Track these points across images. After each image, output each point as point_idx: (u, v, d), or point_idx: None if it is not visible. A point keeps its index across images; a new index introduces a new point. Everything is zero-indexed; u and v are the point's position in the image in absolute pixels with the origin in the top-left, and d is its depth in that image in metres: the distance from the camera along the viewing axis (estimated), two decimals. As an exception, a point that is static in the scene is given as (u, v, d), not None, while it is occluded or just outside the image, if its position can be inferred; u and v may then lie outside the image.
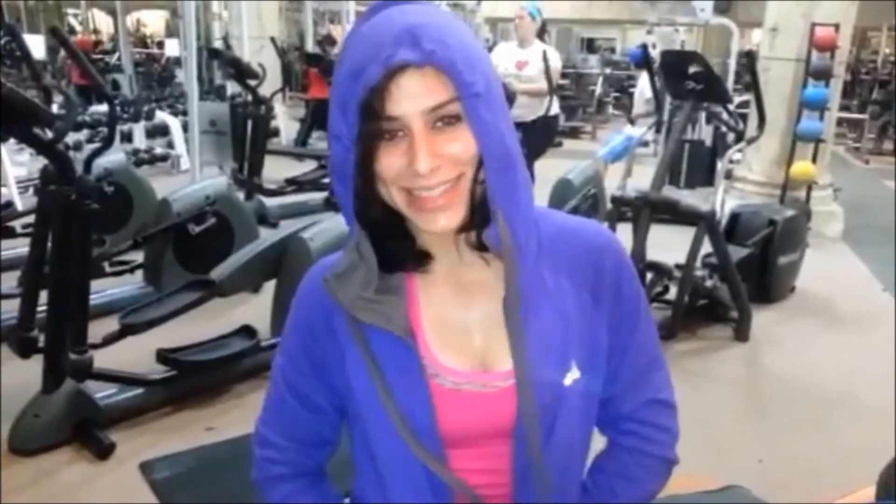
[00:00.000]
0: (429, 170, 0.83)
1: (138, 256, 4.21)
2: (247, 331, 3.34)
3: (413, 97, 0.82)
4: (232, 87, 8.58)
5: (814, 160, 6.18)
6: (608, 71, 15.56)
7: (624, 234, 3.98)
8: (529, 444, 0.95)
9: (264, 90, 6.55)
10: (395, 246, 0.93)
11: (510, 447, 0.97)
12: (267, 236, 3.72)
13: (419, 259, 0.96)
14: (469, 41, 0.86)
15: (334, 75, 0.87)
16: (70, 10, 20.05)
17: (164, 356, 3.07)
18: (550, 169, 5.46)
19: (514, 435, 0.96)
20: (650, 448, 1.07)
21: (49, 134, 2.67)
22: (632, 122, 7.68)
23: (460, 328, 0.97)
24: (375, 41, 0.82)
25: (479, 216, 0.90)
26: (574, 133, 12.64)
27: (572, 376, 0.96)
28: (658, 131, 7.04)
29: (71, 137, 6.03)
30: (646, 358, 1.06)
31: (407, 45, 0.80)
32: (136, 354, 3.13)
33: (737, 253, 4.34)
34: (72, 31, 17.94)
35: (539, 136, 5.60)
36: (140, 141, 8.36)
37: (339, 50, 0.90)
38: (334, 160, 0.88)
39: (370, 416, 0.97)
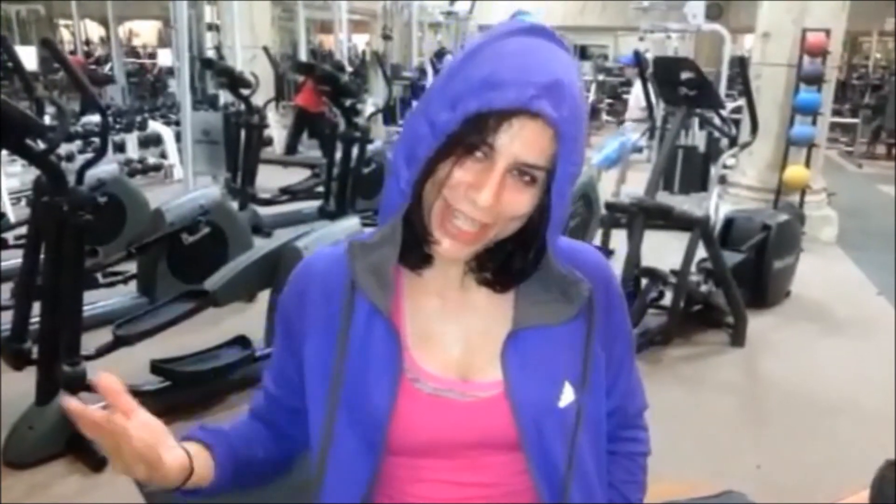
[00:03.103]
0: (487, 206, 0.85)
1: (131, 267, 4.18)
2: (241, 341, 3.33)
3: (520, 143, 0.84)
4: (225, 97, 8.59)
5: (807, 165, 6.20)
6: (601, 77, 15.62)
7: (619, 240, 3.99)
8: (540, 462, 0.96)
9: (257, 99, 6.55)
10: (405, 239, 0.94)
11: (503, 461, 0.97)
12: (261, 246, 3.71)
13: (420, 260, 0.97)
14: (586, 111, 0.90)
15: (455, 68, 0.88)
16: (62, 22, 20.04)
17: (157, 367, 3.05)
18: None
19: (522, 452, 0.96)
20: (642, 448, 1.15)
21: (41, 145, 2.67)
22: (621, 122, 7.68)
23: (443, 338, 0.99)
24: (523, 70, 0.83)
25: (498, 252, 0.96)
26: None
27: (566, 398, 0.96)
28: (652, 137, 7.07)
29: (63, 148, 6.01)
30: (633, 371, 1.11)
31: (550, 100, 0.82)
32: (129, 365, 3.11)
33: (731, 258, 4.35)
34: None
35: None
36: (133, 151, 8.35)
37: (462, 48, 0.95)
38: (412, 137, 0.89)
39: (321, 392, 0.97)
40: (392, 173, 0.91)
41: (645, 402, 1.15)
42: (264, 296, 3.51)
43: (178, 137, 7.48)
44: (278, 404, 1.10)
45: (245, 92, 6.33)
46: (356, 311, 0.96)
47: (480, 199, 0.85)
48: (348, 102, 6.16)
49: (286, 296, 1.05)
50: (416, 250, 0.95)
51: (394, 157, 0.91)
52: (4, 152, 5.66)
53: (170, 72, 12.63)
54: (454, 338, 0.98)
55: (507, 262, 0.96)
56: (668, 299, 4.11)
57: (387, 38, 12.99)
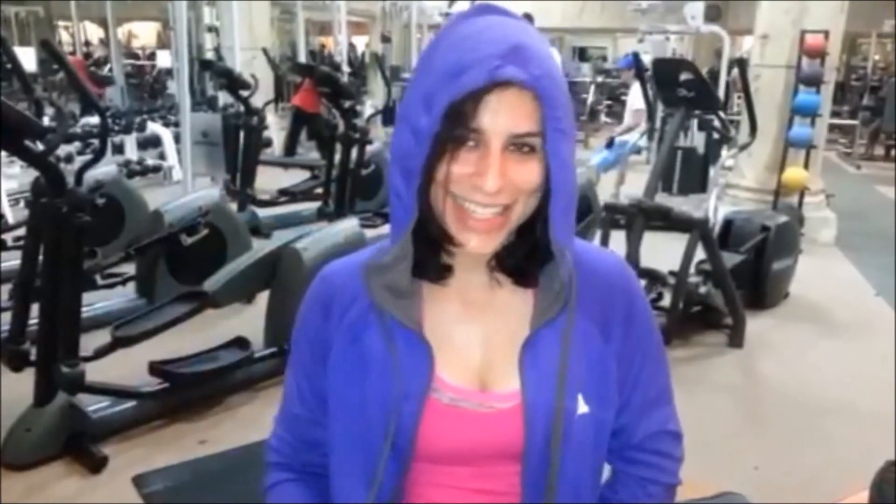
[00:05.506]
0: (496, 190, 0.83)
1: (130, 268, 4.18)
2: (240, 342, 3.32)
3: (504, 116, 0.82)
4: (224, 98, 8.58)
5: (806, 166, 6.21)
6: (600, 79, 15.63)
7: (617, 241, 3.99)
8: (535, 471, 0.94)
9: (256, 101, 6.55)
10: (420, 253, 0.92)
11: (518, 470, 0.95)
12: (260, 247, 3.71)
13: (438, 271, 0.95)
14: (562, 74, 0.87)
15: (420, 68, 0.87)
16: (61, 23, 20.04)
17: (156, 368, 3.05)
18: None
19: (521, 459, 0.94)
20: (658, 476, 1.07)
21: (40, 146, 2.67)
22: (610, 143, 7.45)
23: (462, 345, 0.96)
24: (480, 47, 0.82)
25: (518, 244, 0.92)
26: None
27: (580, 409, 0.94)
28: (651, 139, 7.08)
29: (62, 149, 6.00)
30: (656, 390, 1.05)
31: (516, 63, 0.80)
32: (128, 367, 3.11)
33: (730, 259, 4.35)
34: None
35: None
36: (132, 152, 8.35)
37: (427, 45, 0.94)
38: (398, 152, 0.87)
39: (349, 405, 0.96)
40: (393, 192, 0.88)
41: (674, 428, 1.08)
42: (263, 297, 3.51)
43: (176, 139, 7.48)
44: (309, 431, 1.05)
45: (244, 93, 6.34)
46: (378, 323, 0.94)
47: (487, 185, 0.82)
48: (347, 104, 6.16)
49: (309, 310, 1.02)
50: (433, 263, 0.94)
51: (391, 178, 0.89)
52: (3, 153, 5.66)
53: (169, 73, 12.62)
54: (475, 342, 0.96)
55: (529, 252, 0.93)
56: (666, 300, 4.11)
57: (386, 39, 12.98)
